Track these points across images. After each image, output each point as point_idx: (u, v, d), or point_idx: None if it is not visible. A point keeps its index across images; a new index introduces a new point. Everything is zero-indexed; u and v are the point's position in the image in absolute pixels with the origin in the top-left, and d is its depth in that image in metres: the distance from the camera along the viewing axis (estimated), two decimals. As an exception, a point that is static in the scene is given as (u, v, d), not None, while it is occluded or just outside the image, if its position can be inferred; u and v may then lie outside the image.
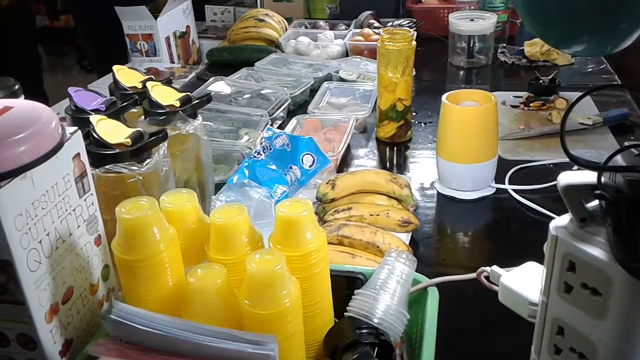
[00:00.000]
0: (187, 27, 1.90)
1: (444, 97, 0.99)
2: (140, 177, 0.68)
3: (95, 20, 2.07)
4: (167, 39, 1.80)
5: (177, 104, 0.79)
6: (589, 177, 0.46)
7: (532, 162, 1.10)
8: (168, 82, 0.86)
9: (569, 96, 1.34)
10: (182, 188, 0.64)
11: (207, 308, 0.56)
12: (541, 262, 0.64)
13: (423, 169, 1.14)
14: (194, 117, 0.81)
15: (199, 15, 2.09)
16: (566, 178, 0.46)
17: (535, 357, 0.54)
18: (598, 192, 0.44)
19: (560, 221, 0.49)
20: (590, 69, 1.59)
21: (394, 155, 1.21)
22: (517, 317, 0.69)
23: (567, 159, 1.09)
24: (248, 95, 1.34)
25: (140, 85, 0.85)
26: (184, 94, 0.81)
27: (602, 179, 0.44)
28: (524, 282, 0.58)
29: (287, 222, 0.59)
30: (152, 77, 0.86)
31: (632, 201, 0.41)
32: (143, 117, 0.81)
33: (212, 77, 1.47)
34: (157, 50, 1.78)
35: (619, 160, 0.44)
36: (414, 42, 1.15)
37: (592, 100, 1.34)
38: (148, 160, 0.68)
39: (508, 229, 0.96)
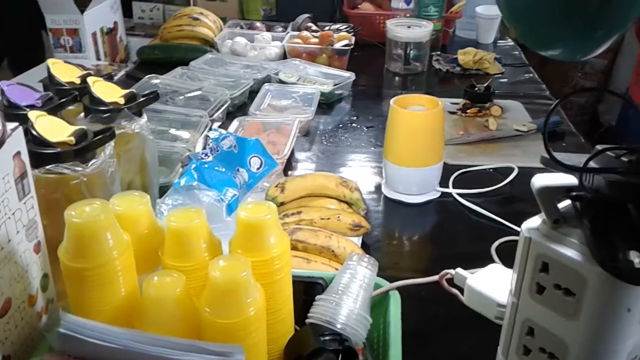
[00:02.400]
0: (115, 23, 1.81)
1: (392, 102, 0.99)
2: (85, 179, 0.63)
3: (6, 11, 1.93)
4: (94, 34, 1.71)
5: (122, 101, 0.74)
6: (562, 179, 0.47)
7: (474, 166, 1.12)
8: (109, 78, 0.80)
9: (503, 104, 1.38)
10: (133, 190, 0.59)
11: (164, 319, 0.53)
12: (489, 262, 0.65)
13: (368, 173, 1.13)
14: (139, 115, 0.76)
15: (126, 12, 2.01)
16: (541, 180, 0.47)
17: (503, 358, 0.54)
18: (574, 193, 0.44)
19: (531, 223, 0.49)
20: (519, 79, 1.65)
21: (338, 159, 1.20)
22: (474, 320, 0.69)
23: (507, 164, 1.12)
24: (185, 95, 1.29)
25: (78, 81, 0.79)
26: (128, 90, 0.76)
27: (576, 182, 0.44)
28: (489, 284, 0.58)
29: (249, 226, 0.56)
30: (91, 72, 0.81)
31: (611, 202, 0.41)
32: (83, 114, 0.75)
33: (144, 75, 1.40)
34: (82, 46, 1.69)
35: (591, 163, 0.45)
36: None
37: (524, 108, 1.40)
38: (93, 161, 0.63)
39: (454, 232, 0.97)
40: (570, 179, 0.47)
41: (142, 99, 0.75)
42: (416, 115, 0.98)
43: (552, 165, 0.46)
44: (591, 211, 0.43)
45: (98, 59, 1.72)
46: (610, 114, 2.82)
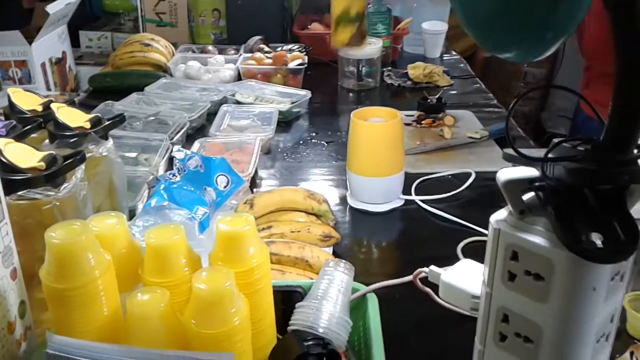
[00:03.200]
0: (64, 53, 1.80)
1: (352, 115, 1.02)
2: (57, 203, 0.63)
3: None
4: (43, 65, 1.69)
5: (88, 125, 0.74)
6: (525, 172, 0.50)
7: (433, 174, 1.16)
8: (72, 104, 0.80)
9: (455, 113, 1.44)
10: (110, 211, 0.59)
11: (150, 335, 0.53)
12: (455, 261, 0.68)
13: (331, 185, 1.16)
14: (105, 139, 0.77)
15: (74, 41, 1.99)
16: (505, 174, 0.50)
17: (481, 347, 0.56)
18: (537, 184, 0.48)
19: (499, 215, 0.52)
20: (468, 89, 1.72)
21: (301, 174, 1.22)
22: (448, 317, 0.72)
23: (463, 170, 1.16)
24: (143, 120, 1.29)
25: (40, 108, 0.79)
26: (94, 115, 0.76)
27: (539, 172, 0.48)
28: (462, 278, 0.61)
29: (229, 238, 0.57)
30: (52, 99, 0.81)
31: (572, 189, 0.45)
32: (48, 141, 0.75)
33: (96, 103, 1.39)
34: (32, 77, 1.66)
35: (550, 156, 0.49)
36: None
37: (475, 117, 1.46)
38: (65, 185, 0.63)
39: (420, 237, 1.00)
40: (532, 172, 0.50)
41: (108, 123, 0.76)
42: (376, 127, 1.01)
43: (515, 159, 0.49)
44: (554, 199, 0.46)
45: (48, 89, 1.69)
46: (552, 121, 2.95)
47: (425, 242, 0.99)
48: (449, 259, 0.82)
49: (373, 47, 1.69)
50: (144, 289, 0.55)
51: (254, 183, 1.15)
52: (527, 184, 0.49)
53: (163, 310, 0.53)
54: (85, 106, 1.53)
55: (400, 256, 0.97)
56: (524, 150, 0.49)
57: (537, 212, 0.50)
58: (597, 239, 0.45)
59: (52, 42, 1.73)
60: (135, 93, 1.45)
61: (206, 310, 0.53)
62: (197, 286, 0.52)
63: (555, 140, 0.49)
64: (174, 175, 0.85)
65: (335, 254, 0.92)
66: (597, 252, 0.44)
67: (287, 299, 0.68)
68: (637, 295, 0.75)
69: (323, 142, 1.36)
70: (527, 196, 0.51)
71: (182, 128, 1.27)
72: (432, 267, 0.63)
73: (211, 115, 1.40)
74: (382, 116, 1.04)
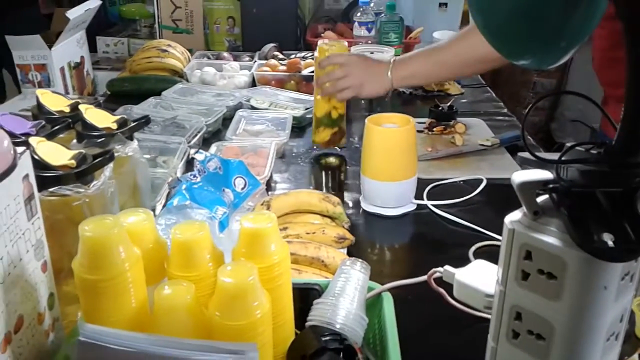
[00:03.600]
0: (82, 57, 1.83)
1: (367, 120, 1.05)
2: (87, 200, 0.65)
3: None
4: (62, 69, 1.72)
5: (114, 126, 0.77)
6: (539, 175, 0.52)
7: (444, 180, 1.18)
8: (98, 105, 0.83)
9: (466, 121, 1.46)
10: (138, 208, 0.62)
11: (176, 326, 0.55)
12: (467, 264, 0.70)
13: (345, 189, 1.18)
14: (131, 139, 0.79)
15: (90, 47, 2.03)
16: (520, 177, 0.52)
17: (494, 344, 0.58)
18: (551, 186, 0.50)
19: (513, 216, 0.54)
20: (479, 98, 1.74)
21: (315, 178, 1.24)
22: (461, 317, 0.74)
23: (474, 176, 1.18)
24: (161, 124, 1.32)
25: (68, 110, 0.82)
26: (120, 116, 0.79)
27: (552, 175, 0.50)
28: (476, 277, 0.63)
29: (252, 235, 0.60)
30: (79, 101, 0.83)
31: (584, 191, 0.47)
32: (75, 141, 0.77)
33: (114, 107, 1.42)
34: (51, 80, 1.70)
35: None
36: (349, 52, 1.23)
37: (486, 125, 1.48)
38: (95, 182, 0.66)
39: (432, 240, 1.02)
40: (545, 175, 0.52)
41: (133, 124, 0.78)
42: (391, 132, 1.04)
43: (529, 162, 0.52)
44: (567, 200, 0.48)
45: (66, 92, 1.73)
46: (561, 132, 2.96)
47: (437, 245, 1.01)
48: (461, 262, 0.84)
49: (385, 55, 1.71)
50: (170, 282, 0.57)
51: (269, 186, 1.18)
52: (541, 186, 0.51)
53: (189, 302, 0.55)
54: (104, 110, 1.57)
55: (412, 258, 0.99)
56: (538, 154, 0.51)
57: (550, 213, 0.52)
58: (608, 239, 0.47)
59: (71, 47, 1.77)
60: (153, 97, 1.49)
61: (230, 303, 0.55)
62: (222, 279, 0.54)
63: (569, 144, 0.51)
64: (194, 176, 0.88)
65: (350, 255, 0.94)
66: (609, 251, 0.46)
67: (304, 297, 0.70)
68: (646, 300, 0.76)
69: (336, 147, 1.38)
70: (541, 199, 0.53)
71: (199, 132, 1.29)
72: (447, 267, 0.65)
73: (226, 120, 1.43)
74: (395, 122, 1.06)
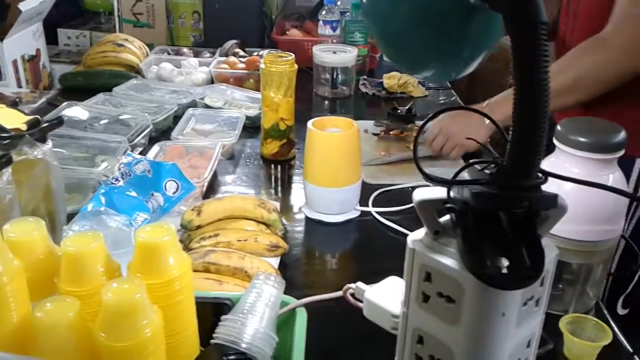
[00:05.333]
0: (38, 50, 1.78)
1: (309, 124, 1.02)
2: (-20, 206, 0.61)
3: None
4: (15, 62, 1.67)
5: (24, 127, 0.73)
6: (440, 192, 0.49)
7: (393, 185, 1.16)
8: (13, 105, 0.79)
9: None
10: (28, 216, 0.58)
11: (58, 345, 0.51)
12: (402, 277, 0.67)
13: (294, 193, 1.15)
14: (43, 141, 0.75)
15: (51, 39, 1.98)
16: (420, 194, 0.49)
17: (399, 368, 0.56)
18: (448, 205, 0.47)
19: (416, 235, 0.51)
20: (442, 101, 1.72)
21: (263, 181, 1.21)
22: (383, 333, 0.71)
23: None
24: (105, 121, 1.28)
25: (-20, 108, 0.77)
26: (32, 117, 0.75)
27: (452, 193, 0.47)
28: (386, 296, 0.60)
29: (147, 248, 0.56)
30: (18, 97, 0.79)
31: (477, 212, 0.44)
32: (-17, 141, 0.73)
33: (64, 102, 1.38)
34: (2, 74, 1.65)
35: (465, 176, 0.48)
36: (295, 65, 1.20)
37: (443, 128, 1.45)
38: (-12, 187, 0.62)
39: (373, 249, 0.99)
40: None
41: (45, 125, 0.74)
42: (332, 137, 1.00)
43: (430, 178, 0.49)
44: (462, 221, 0.45)
45: (19, 86, 1.68)
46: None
47: (377, 254, 0.98)
48: (398, 272, 0.81)
49: (348, 55, 1.68)
50: (53, 297, 0.53)
51: (212, 189, 1.14)
52: (440, 204, 0.48)
53: (72, 319, 0.51)
54: (54, 105, 1.52)
55: (349, 268, 0.96)
56: (440, 171, 0.48)
57: (450, 233, 0.49)
58: (502, 264, 0.44)
59: (25, 39, 1.72)
60: (102, 94, 1.44)
61: (115, 322, 0.52)
62: (106, 297, 0.51)
63: (471, 161, 0.48)
64: (116, 179, 0.84)
65: (283, 264, 0.91)
66: (499, 278, 0.43)
67: (218, 311, 0.67)
68: (576, 318, 0.74)
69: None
70: (446, 218, 0.50)
71: (144, 130, 1.25)
72: (359, 284, 0.62)
73: (179, 118, 1.38)
74: (339, 126, 1.03)
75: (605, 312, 0.82)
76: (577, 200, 0.69)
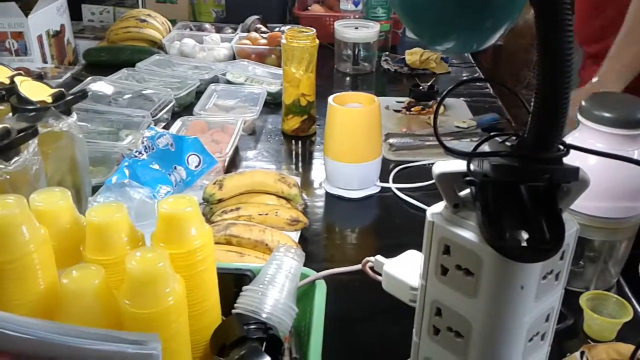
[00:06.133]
0: (62, 26, 1.80)
1: (330, 99, 1.01)
2: (8, 177, 0.63)
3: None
4: (40, 37, 1.69)
5: (49, 99, 0.74)
6: (460, 166, 0.49)
7: (413, 162, 1.15)
8: (39, 78, 0.80)
9: (446, 101, 1.42)
10: (54, 187, 0.59)
11: (84, 311, 0.53)
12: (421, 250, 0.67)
13: (314, 169, 1.15)
14: (68, 114, 0.76)
15: (76, 15, 1.99)
16: (440, 167, 0.49)
17: (417, 339, 0.56)
18: (468, 178, 0.47)
19: (436, 208, 0.51)
20: (464, 77, 1.69)
21: (284, 157, 1.21)
22: (401, 305, 0.72)
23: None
24: (129, 96, 1.29)
25: (7, 81, 0.79)
26: (57, 89, 0.76)
27: (471, 166, 0.47)
28: (405, 269, 0.60)
29: (169, 219, 0.57)
30: (22, 72, 0.80)
31: (497, 184, 0.44)
32: (10, 114, 0.75)
33: (88, 77, 1.40)
34: (27, 49, 1.67)
35: (486, 149, 0.47)
36: (316, 41, 1.19)
37: (466, 106, 1.43)
38: (16, 158, 0.63)
39: (393, 225, 0.99)
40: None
41: (70, 97, 0.75)
42: (353, 112, 1.00)
43: (453, 152, 0.48)
44: (482, 194, 0.45)
45: (45, 61, 1.70)
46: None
47: (397, 230, 0.98)
48: (419, 248, 0.81)
49: (370, 31, 1.67)
50: (79, 265, 0.55)
51: (233, 164, 1.15)
52: (460, 177, 0.48)
53: (97, 286, 0.53)
54: (79, 80, 1.54)
55: (368, 243, 0.97)
56: (461, 145, 0.48)
57: (470, 206, 0.49)
58: (522, 237, 0.44)
59: (50, 15, 1.74)
60: (126, 69, 1.45)
61: (139, 290, 0.53)
62: (130, 265, 0.52)
63: (492, 134, 0.48)
64: (140, 153, 0.85)
65: (303, 238, 0.91)
66: (518, 250, 0.43)
67: (239, 282, 0.68)
68: (597, 294, 0.74)
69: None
70: (465, 192, 0.50)
71: (166, 105, 1.26)
72: (378, 257, 0.63)
73: (201, 94, 1.39)
74: (360, 102, 1.03)
75: (627, 289, 0.82)
76: (601, 176, 0.68)
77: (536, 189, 0.45)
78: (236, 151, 1.19)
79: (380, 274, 0.67)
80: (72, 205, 0.60)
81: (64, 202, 0.59)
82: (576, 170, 0.42)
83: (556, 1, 0.36)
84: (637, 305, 0.77)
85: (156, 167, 0.85)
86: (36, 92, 0.75)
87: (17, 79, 0.75)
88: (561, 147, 0.41)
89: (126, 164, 0.82)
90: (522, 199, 0.45)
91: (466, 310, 0.50)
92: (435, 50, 1.68)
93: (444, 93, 0.49)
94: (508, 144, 0.43)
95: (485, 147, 0.47)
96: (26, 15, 1.61)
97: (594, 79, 1.16)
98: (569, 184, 0.45)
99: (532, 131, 0.40)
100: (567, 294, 0.54)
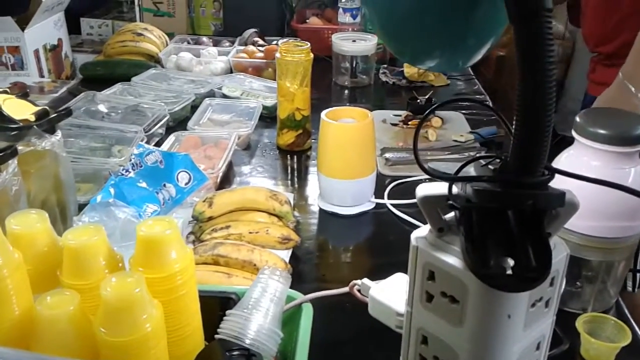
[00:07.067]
0: (59, 40, 1.80)
1: (323, 114, 1.00)
2: (-15, 198, 0.61)
3: None
4: (36, 52, 1.69)
5: (32, 118, 0.73)
6: (445, 188, 0.47)
7: (410, 177, 1.13)
8: (24, 95, 0.79)
9: (444, 115, 1.40)
10: (31, 209, 0.58)
11: (59, 338, 0.51)
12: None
13: (309, 185, 1.14)
14: (52, 132, 0.75)
15: (74, 29, 1.99)
16: (423, 190, 0.47)
17: (403, 368, 0.54)
18: (450, 202, 0.45)
19: (420, 232, 0.50)
20: (463, 90, 1.68)
21: (278, 172, 1.20)
22: (390, 330, 0.70)
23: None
24: (122, 111, 1.28)
25: (-8, 99, 0.77)
26: (41, 107, 0.75)
27: (455, 190, 0.45)
28: (391, 293, 0.58)
29: (148, 242, 0.55)
30: (7, 90, 0.79)
31: (480, 209, 0.42)
32: (-6, 132, 0.73)
33: (84, 91, 1.39)
34: (24, 63, 1.67)
35: (470, 171, 0.46)
36: (311, 55, 1.18)
37: (465, 119, 1.42)
38: (-6, 179, 0.62)
39: (387, 242, 0.97)
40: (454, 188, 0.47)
41: (53, 115, 0.74)
42: (346, 128, 0.99)
43: (431, 174, 0.47)
44: (465, 218, 0.43)
45: (42, 75, 1.70)
46: (564, 124, 2.88)
47: (391, 247, 0.96)
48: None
49: (367, 44, 1.66)
50: (55, 291, 0.53)
51: (227, 179, 1.14)
52: (444, 201, 0.46)
53: (72, 313, 0.51)
54: (75, 95, 1.53)
55: (361, 262, 0.95)
56: (445, 166, 0.46)
57: (455, 230, 0.47)
58: (507, 264, 0.42)
59: (47, 29, 1.74)
60: (121, 83, 1.44)
61: (115, 317, 0.51)
62: (105, 292, 0.50)
63: (477, 155, 0.46)
64: (127, 170, 0.84)
65: (295, 256, 0.89)
66: (503, 279, 0.41)
67: (224, 305, 0.66)
68: (594, 317, 0.71)
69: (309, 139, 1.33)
70: (451, 215, 0.48)
71: (160, 120, 1.25)
72: (365, 280, 0.61)
73: (196, 108, 1.38)
74: (354, 117, 1.01)
75: (626, 310, 0.79)
76: (595, 196, 0.66)
77: (522, 213, 0.43)
78: (230, 166, 1.17)
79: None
80: (50, 228, 0.58)
81: (41, 225, 0.57)
82: (562, 195, 0.40)
83: (536, 21, 0.34)
84: (636, 328, 0.75)
85: (144, 185, 0.84)
86: (19, 110, 0.74)
87: (0, 97, 0.73)
88: (546, 171, 0.39)
89: (112, 182, 0.80)
90: (508, 224, 0.43)
91: (452, 339, 0.48)
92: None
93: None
94: (491, 167, 0.41)
95: (471, 169, 0.46)
96: (22, 29, 1.61)
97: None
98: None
99: (514, 154, 0.39)
100: (563, 316, 0.52)
